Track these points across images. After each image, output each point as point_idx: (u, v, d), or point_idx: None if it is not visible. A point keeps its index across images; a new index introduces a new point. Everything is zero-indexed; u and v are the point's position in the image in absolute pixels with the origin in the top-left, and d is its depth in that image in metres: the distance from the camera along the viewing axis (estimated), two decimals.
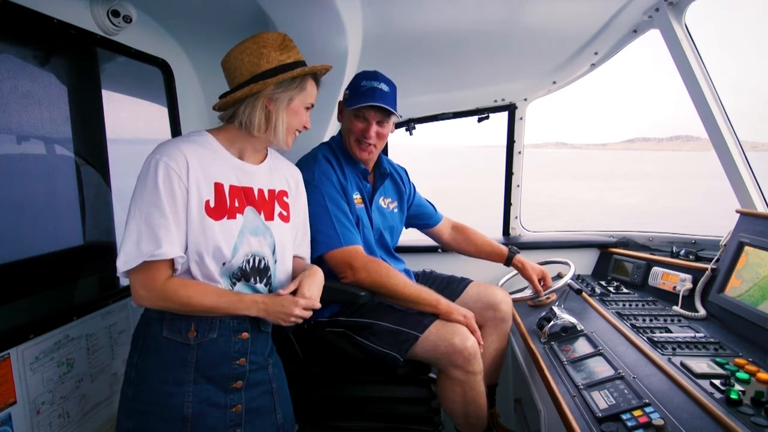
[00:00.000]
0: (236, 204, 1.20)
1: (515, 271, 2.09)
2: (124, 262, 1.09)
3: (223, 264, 1.17)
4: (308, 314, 1.23)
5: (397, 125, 2.66)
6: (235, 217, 1.19)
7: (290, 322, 1.21)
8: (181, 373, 1.15)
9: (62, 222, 1.49)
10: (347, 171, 1.70)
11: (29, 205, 1.36)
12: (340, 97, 1.80)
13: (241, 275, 1.20)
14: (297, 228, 1.39)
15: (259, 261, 1.23)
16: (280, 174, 1.35)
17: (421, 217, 2.07)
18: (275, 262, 1.28)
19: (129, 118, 1.83)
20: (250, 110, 1.20)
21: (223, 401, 1.19)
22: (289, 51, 1.24)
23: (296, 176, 1.42)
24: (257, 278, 1.23)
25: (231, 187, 1.20)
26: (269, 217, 1.27)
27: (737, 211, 1.83)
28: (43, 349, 1.28)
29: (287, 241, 1.32)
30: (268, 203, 1.28)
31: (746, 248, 1.67)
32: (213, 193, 1.16)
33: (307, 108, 1.28)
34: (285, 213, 1.32)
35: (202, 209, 1.14)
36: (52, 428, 1.30)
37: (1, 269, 1.24)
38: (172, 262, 1.13)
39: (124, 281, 1.67)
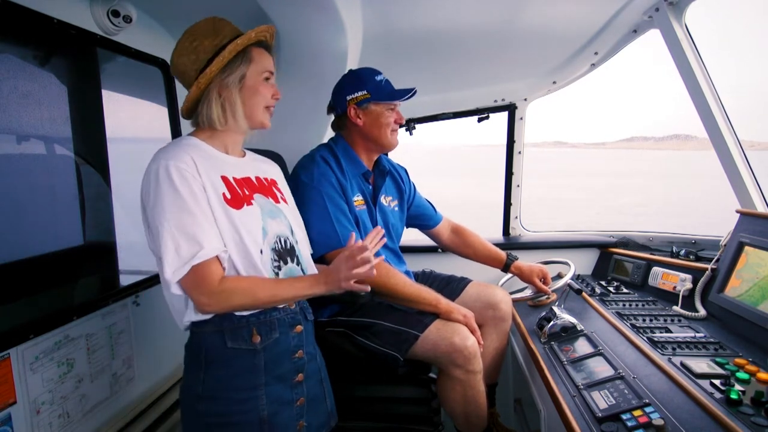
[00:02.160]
0: (246, 192, 1.21)
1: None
2: (172, 273, 1.06)
3: (261, 251, 1.17)
4: (367, 268, 1.18)
5: None
6: (251, 204, 1.20)
7: (352, 276, 1.17)
8: (253, 379, 1.15)
9: (62, 222, 1.49)
10: (348, 173, 1.70)
11: (29, 205, 1.36)
12: None
13: (279, 259, 1.21)
14: (296, 211, 1.41)
15: (285, 241, 1.25)
16: (263, 166, 1.38)
17: (421, 217, 2.07)
18: (297, 242, 1.30)
19: (129, 118, 1.82)
20: (207, 106, 1.19)
21: (289, 397, 1.21)
22: (221, 30, 1.20)
23: (276, 167, 1.43)
24: (289, 259, 1.25)
25: (234, 179, 1.21)
26: (276, 200, 1.29)
27: (737, 211, 1.83)
28: (43, 349, 1.28)
29: (296, 222, 1.35)
30: (269, 188, 1.30)
31: (746, 248, 1.67)
32: (224, 185, 1.17)
33: (267, 78, 1.24)
34: (284, 198, 1.35)
35: (222, 202, 1.14)
36: (52, 428, 1.30)
37: (1, 269, 1.24)
38: (219, 259, 1.12)
39: (124, 281, 1.67)
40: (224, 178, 1.18)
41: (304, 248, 1.33)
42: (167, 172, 1.09)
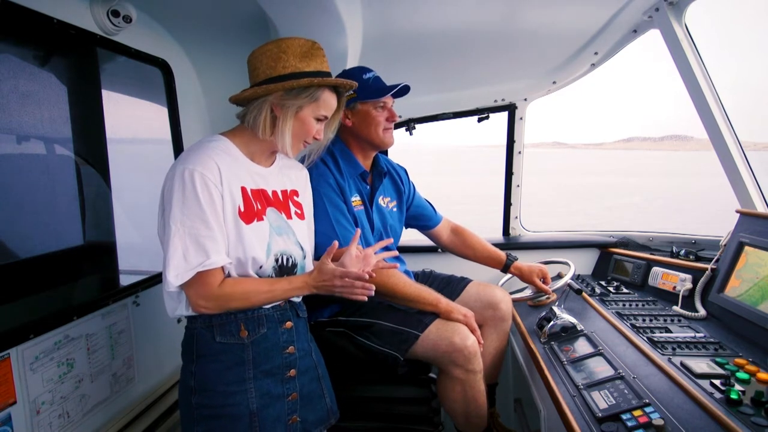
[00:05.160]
0: (259, 206, 1.23)
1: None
2: (175, 276, 1.11)
3: (260, 267, 1.21)
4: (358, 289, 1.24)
5: (397, 125, 2.66)
6: (262, 219, 1.22)
7: (347, 295, 1.24)
8: (241, 372, 1.20)
9: (62, 222, 1.49)
10: (346, 173, 1.70)
11: (29, 205, 1.36)
12: None
13: (279, 275, 1.25)
14: (310, 225, 1.43)
15: (287, 259, 1.27)
16: (289, 174, 1.38)
17: (421, 218, 2.07)
18: (303, 257, 1.32)
19: (129, 118, 1.82)
20: (257, 113, 1.21)
21: (280, 391, 1.24)
22: (311, 59, 1.23)
23: (305, 175, 1.46)
24: (286, 275, 1.27)
25: (252, 190, 1.23)
26: (288, 216, 1.31)
27: (737, 211, 1.83)
28: (43, 349, 1.28)
29: (307, 237, 1.37)
30: (283, 203, 1.31)
31: (746, 248, 1.67)
32: (241, 197, 1.19)
33: (319, 119, 1.27)
34: (299, 211, 1.36)
35: (236, 215, 1.17)
36: (52, 428, 1.30)
37: (1, 269, 1.24)
38: (223, 269, 1.16)
39: (124, 281, 1.67)
40: (243, 189, 1.20)
41: (308, 263, 1.35)
42: (192, 179, 1.11)
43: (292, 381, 1.27)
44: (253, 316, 1.22)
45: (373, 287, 1.26)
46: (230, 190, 1.17)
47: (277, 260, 1.25)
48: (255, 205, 1.22)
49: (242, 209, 1.18)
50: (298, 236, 1.31)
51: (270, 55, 1.22)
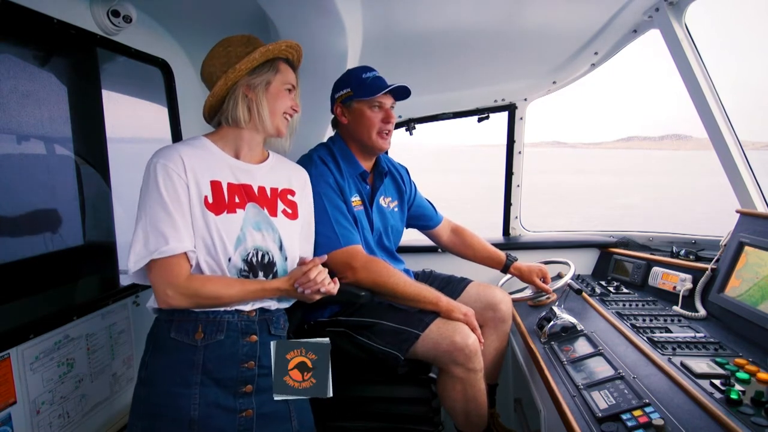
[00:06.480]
0: (236, 200, 1.22)
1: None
2: (134, 262, 1.12)
3: (229, 260, 1.19)
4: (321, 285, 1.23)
5: (397, 125, 2.66)
6: (235, 212, 1.20)
7: (310, 287, 1.21)
8: (188, 375, 1.15)
9: (62, 222, 1.49)
10: (345, 173, 1.69)
11: (29, 205, 1.36)
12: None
13: (249, 270, 1.22)
14: (303, 227, 1.39)
15: (263, 256, 1.24)
16: (283, 173, 1.36)
17: (421, 218, 2.07)
18: (285, 259, 1.29)
19: (129, 118, 1.83)
20: (233, 104, 1.24)
21: (231, 405, 1.18)
22: (254, 44, 1.28)
23: (303, 176, 1.43)
24: (263, 273, 1.24)
25: (229, 184, 1.22)
26: (272, 213, 1.28)
27: (737, 211, 1.83)
28: (43, 349, 1.28)
29: (294, 238, 1.33)
30: (270, 200, 1.29)
31: (746, 248, 1.67)
32: (210, 189, 1.19)
33: (289, 90, 1.30)
34: (290, 210, 1.32)
35: (202, 204, 1.17)
36: (52, 428, 1.30)
37: (1, 269, 1.24)
38: (187, 257, 1.15)
39: (124, 281, 1.67)
40: (214, 183, 1.20)
41: (292, 266, 1.30)
42: (155, 170, 1.14)
43: (248, 397, 1.19)
44: (214, 320, 1.18)
45: (334, 286, 1.25)
46: (196, 180, 1.17)
47: (249, 254, 1.21)
48: (229, 198, 1.21)
49: (210, 200, 1.18)
50: (281, 234, 1.27)
51: (219, 55, 1.27)
